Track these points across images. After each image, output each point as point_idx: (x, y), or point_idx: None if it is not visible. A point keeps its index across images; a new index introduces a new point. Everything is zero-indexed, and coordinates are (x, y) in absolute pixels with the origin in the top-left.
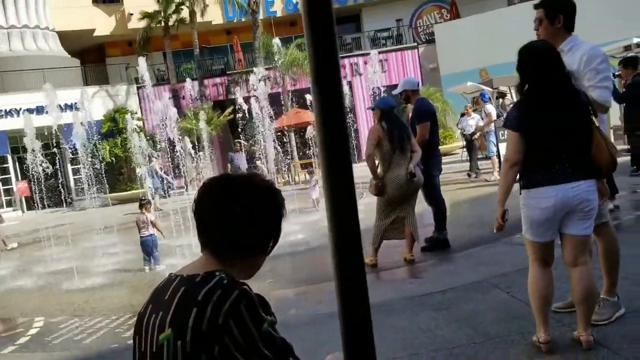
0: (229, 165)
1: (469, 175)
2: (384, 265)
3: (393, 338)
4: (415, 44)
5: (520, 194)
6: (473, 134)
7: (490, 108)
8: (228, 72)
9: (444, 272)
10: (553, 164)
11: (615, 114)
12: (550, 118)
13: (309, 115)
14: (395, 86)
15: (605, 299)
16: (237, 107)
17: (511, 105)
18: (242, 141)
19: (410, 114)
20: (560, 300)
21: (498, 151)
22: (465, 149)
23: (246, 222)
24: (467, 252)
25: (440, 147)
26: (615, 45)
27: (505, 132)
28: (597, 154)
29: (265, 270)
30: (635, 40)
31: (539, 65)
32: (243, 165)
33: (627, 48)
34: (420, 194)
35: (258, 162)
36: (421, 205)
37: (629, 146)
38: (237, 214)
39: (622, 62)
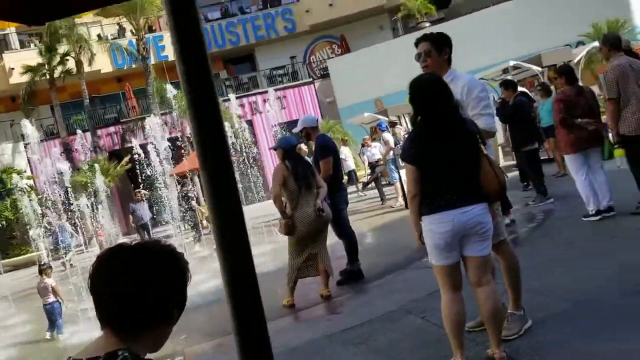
0: (130, 216)
1: (364, 185)
2: (301, 305)
3: None
4: (311, 79)
5: (421, 220)
6: (378, 161)
7: (388, 136)
8: (122, 120)
9: (360, 305)
10: (445, 192)
11: (500, 133)
12: (439, 148)
13: None
14: (296, 122)
15: (513, 314)
16: (134, 156)
17: (404, 134)
18: (142, 190)
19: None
20: (471, 319)
21: (400, 177)
22: (370, 176)
23: (147, 294)
24: (381, 281)
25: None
26: (494, 69)
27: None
28: (486, 182)
29: (179, 325)
30: (512, 63)
31: (427, 97)
32: (146, 215)
33: (505, 71)
34: (330, 228)
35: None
36: (332, 239)
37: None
38: (136, 286)
39: (502, 85)
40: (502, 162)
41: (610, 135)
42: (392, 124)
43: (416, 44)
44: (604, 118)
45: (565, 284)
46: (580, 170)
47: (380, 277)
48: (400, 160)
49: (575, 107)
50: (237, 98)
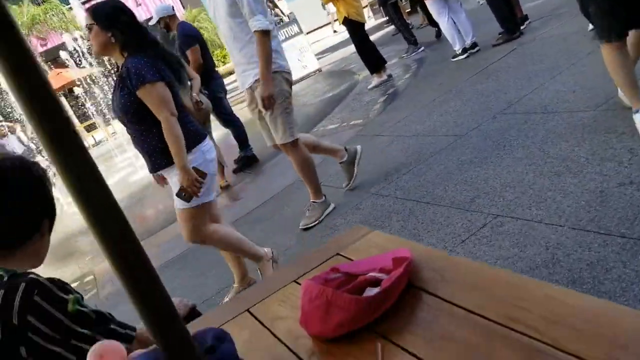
0: None
1: None
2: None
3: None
4: None
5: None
6: None
7: None
8: None
9: (259, 187)
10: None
11: None
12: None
13: (74, 73)
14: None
15: (313, 202)
16: None
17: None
18: (5, 123)
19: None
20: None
21: None
22: None
23: (1, 212)
24: (275, 160)
25: (219, 68)
26: None
27: (156, 87)
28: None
29: (83, 246)
30: None
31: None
32: (19, 149)
33: None
34: (215, 119)
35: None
36: (219, 130)
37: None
38: None
39: None
40: (374, 22)
41: None
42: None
43: None
44: None
45: (444, 123)
46: (442, 13)
47: (275, 156)
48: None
49: None
50: (83, 3)
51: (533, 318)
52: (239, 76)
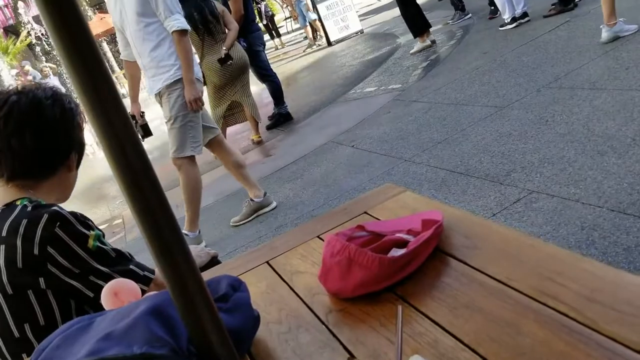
0: None
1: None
2: None
3: (253, 224)
4: None
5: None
6: None
7: None
8: None
9: (292, 144)
10: None
11: None
12: None
13: None
14: None
15: (250, 200)
16: (31, 29)
17: None
18: (49, 64)
19: None
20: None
21: (319, 16)
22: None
23: (30, 140)
24: (309, 119)
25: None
26: None
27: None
28: None
29: (113, 191)
30: None
31: None
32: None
33: None
34: (252, 74)
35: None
36: (259, 86)
37: None
38: (15, 134)
39: None
40: None
41: None
42: None
43: None
44: None
45: (485, 93)
46: None
47: (309, 116)
48: None
49: None
50: None
51: (569, 294)
52: (148, 81)
